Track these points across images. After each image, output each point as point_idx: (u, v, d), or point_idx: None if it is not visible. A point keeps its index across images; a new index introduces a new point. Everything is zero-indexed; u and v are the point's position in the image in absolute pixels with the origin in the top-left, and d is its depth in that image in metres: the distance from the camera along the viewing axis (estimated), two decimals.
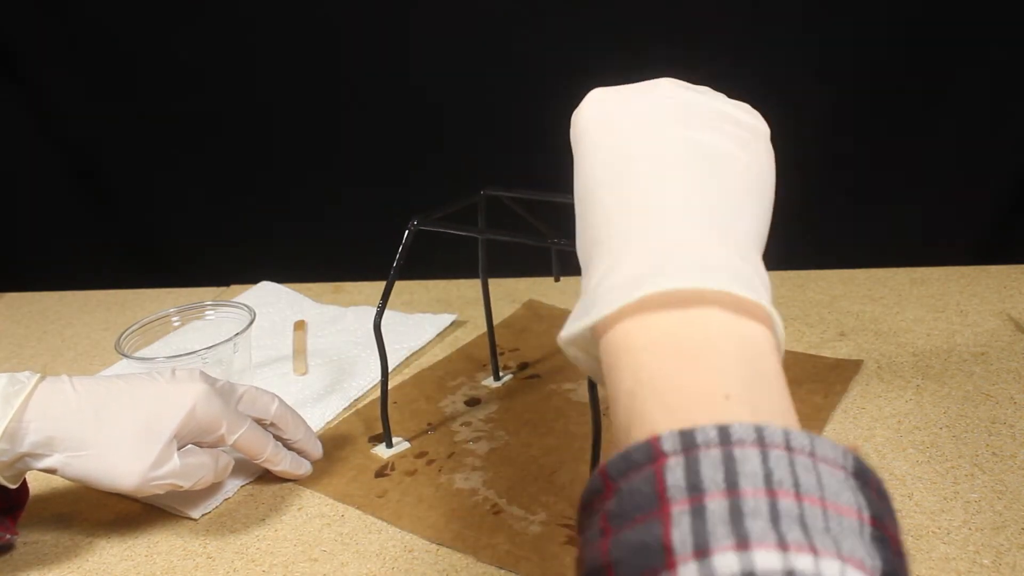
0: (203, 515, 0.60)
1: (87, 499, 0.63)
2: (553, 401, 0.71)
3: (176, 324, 0.77)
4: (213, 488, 0.62)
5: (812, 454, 0.25)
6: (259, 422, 0.60)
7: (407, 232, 0.60)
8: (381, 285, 0.62)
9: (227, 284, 1.05)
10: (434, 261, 0.91)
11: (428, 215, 0.61)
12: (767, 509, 0.23)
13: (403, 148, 1.09)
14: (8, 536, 0.56)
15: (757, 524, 0.23)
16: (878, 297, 0.86)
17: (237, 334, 0.71)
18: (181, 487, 0.56)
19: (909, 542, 0.51)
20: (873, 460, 0.60)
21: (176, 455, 0.55)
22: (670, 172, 0.33)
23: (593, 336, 0.31)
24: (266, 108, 1.08)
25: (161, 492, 0.55)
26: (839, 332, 0.79)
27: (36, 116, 1.10)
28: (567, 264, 0.78)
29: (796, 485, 0.24)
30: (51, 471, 0.53)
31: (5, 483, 0.53)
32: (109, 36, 1.05)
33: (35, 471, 0.54)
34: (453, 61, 1.02)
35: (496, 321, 0.85)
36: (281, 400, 0.62)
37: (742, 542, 0.22)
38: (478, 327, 0.86)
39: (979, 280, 0.88)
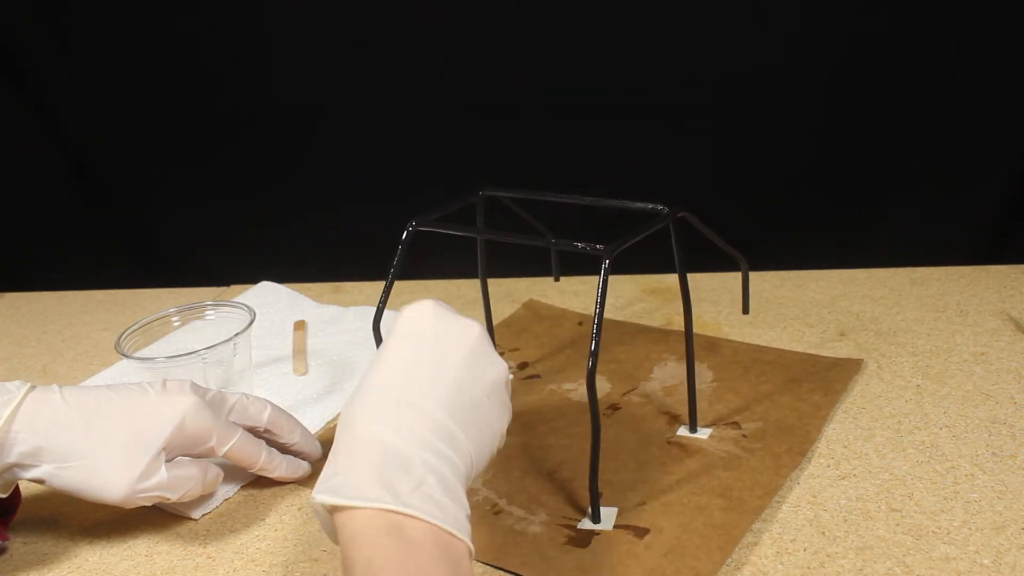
0: (203, 515, 0.60)
1: (87, 501, 0.63)
2: (553, 401, 0.71)
3: (176, 324, 0.77)
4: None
5: None
6: (253, 430, 0.60)
7: (405, 233, 0.60)
8: (381, 285, 0.62)
9: (227, 284, 1.05)
10: (434, 261, 0.91)
11: (427, 215, 0.61)
12: None
13: (403, 148, 1.09)
14: (0, 542, 0.56)
15: None
16: (878, 297, 0.86)
17: (237, 334, 0.71)
18: (169, 499, 0.56)
19: (909, 542, 0.51)
20: (873, 460, 0.60)
21: (164, 467, 0.54)
22: (443, 399, 0.45)
23: (332, 508, 0.41)
24: (266, 108, 1.08)
25: (148, 504, 0.55)
26: (839, 332, 0.79)
27: (36, 116, 1.10)
28: (566, 264, 0.78)
29: None
30: (39, 481, 0.53)
31: None
32: (109, 36, 1.05)
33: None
34: (453, 61, 1.02)
35: (496, 321, 0.85)
36: (274, 406, 0.62)
37: None
38: None
39: (979, 280, 0.88)
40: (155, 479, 0.54)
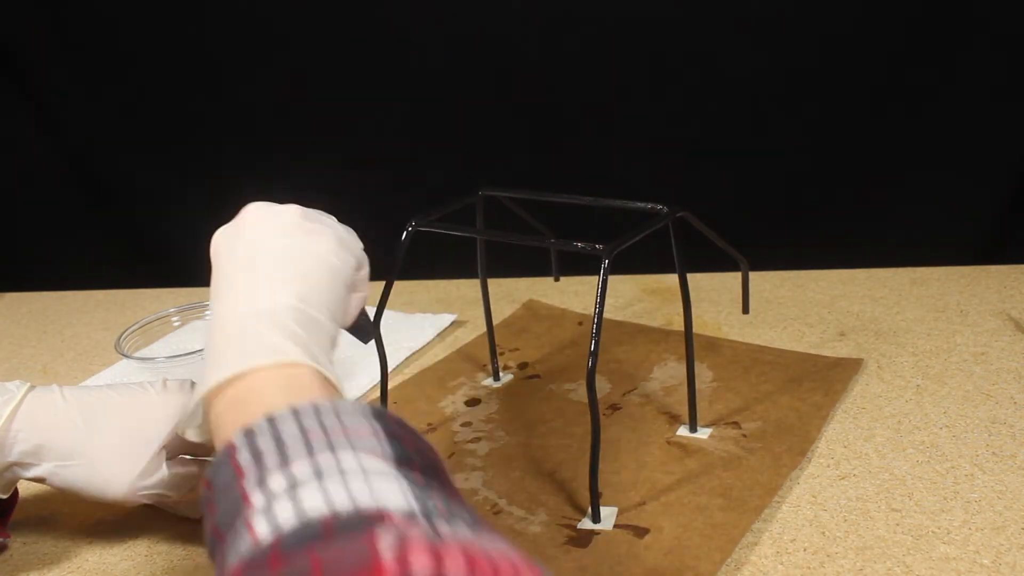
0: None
1: (86, 499, 0.63)
2: (553, 401, 0.71)
3: (176, 324, 0.77)
4: None
5: (335, 410, 0.36)
6: None
7: (405, 233, 0.60)
8: (381, 285, 0.62)
9: None
10: (434, 261, 0.91)
11: (427, 216, 0.61)
12: (303, 445, 0.33)
13: (403, 148, 1.09)
14: (0, 539, 0.56)
15: (297, 453, 0.33)
16: (878, 297, 0.86)
17: None
18: (170, 497, 0.55)
19: (909, 542, 0.51)
20: (873, 460, 0.60)
21: (165, 465, 0.54)
22: (246, 273, 0.45)
23: (204, 407, 0.42)
24: (266, 108, 1.08)
25: (149, 502, 0.55)
26: (839, 332, 0.79)
27: (36, 116, 1.10)
28: (566, 264, 0.78)
29: (323, 427, 0.34)
30: (39, 480, 0.53)
31: None
32: (109, 36, 1.05)
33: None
34: (453, 61, 1.03)
35: (496, 321, 0.85)
36: None
37: (285, 464, 0.33)
38: (478, 327, 0.85)
39: (979, 280, 0.88)
40: (156, 477, 0.54)
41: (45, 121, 1.10)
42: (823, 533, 0.53)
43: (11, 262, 1.19)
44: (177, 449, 0.55)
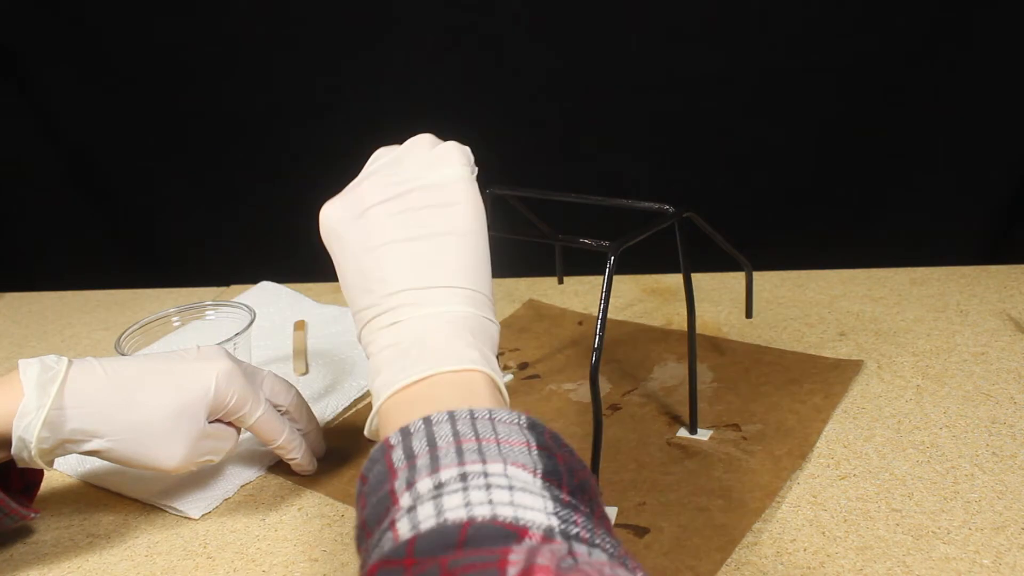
0: (203, 515, 0.60)
1: (87, 499, 0.63)
2: (553, 401, 0.71)
3: (176, 324, 0.77)
4: (213, 488, 0.62)
5: (491, 418, 0.36)
6: (275, 406, 0.60)
7: None
8: None
9: (227, 284, 1.05)
10: None
11: None
12: (454, 451, 0.34)
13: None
14: (32, 515, 0.56)
15: (447, 459, 0.34)
16: (878, 297, 0.86)
17: (237, 334, 0.71)
18: (214, 461, 0.57)
19: (909, 542, 0.51)
20: (873, 460, 0.60)
21: (208, 431, 0.56)
22: (393, 265, 0.45)
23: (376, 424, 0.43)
24: (266, 108, 1.08)
25: (196, 469, 0.57)
26: (839, 332, 0.79)
27: (36, 116, 1.10)
28: (567, 264, 0.78)
29: (476, 435, 0.35)
30: (94, 454, 0.54)
31: (43, 466, 0.53)
32: (109, 36, 1.05)
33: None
34: (455, 61, 1.03)
35: None
36: (298, 391, 0.62)
37: (434, 470, 0.33)
38: None
39: (979, 280, 0.88)
40: (204, 444, 0.55)
41: (45, 121, 1.10)
42: (823, 533, 0.53)
43: (11, 262, 1.19)
44: (214, 414, 0.56)
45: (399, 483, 0.34)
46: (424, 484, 0.33)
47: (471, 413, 0.36)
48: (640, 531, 0.54)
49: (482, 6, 0.99)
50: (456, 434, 0.35)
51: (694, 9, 0.97)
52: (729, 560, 0.51)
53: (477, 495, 0.31)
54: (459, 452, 0.34)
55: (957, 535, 0.52)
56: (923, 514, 0.54)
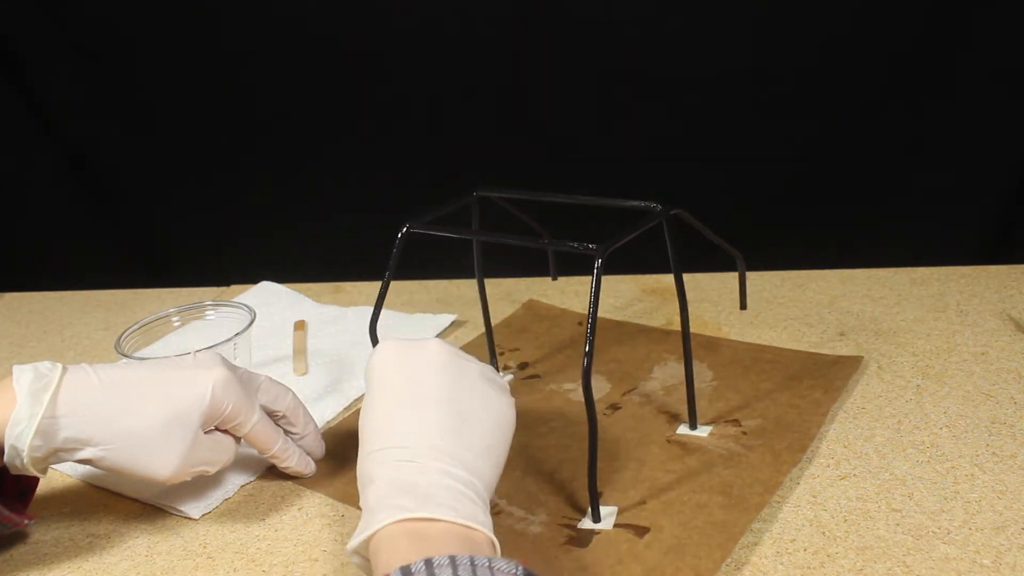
0: (203, 515, 0.60)
1: (87, 499, 0.63)
2: (553, 401, 0.71)
3: (176, 324, 0.77)
4: (213, 488, 0.62)
5: (490, 567, 0.38)
6: (272, 413, 0.60)
7: (399, 236, 0.60)
8: (377, 286, 0.62)
9: (227, 284, 1.05)
10: (433, 261, 0.91)
11: (422, 217, 0.61)
12: None
13: (402, 148, 1.09)
14: (26, 522, 0.56)
15: None
16: (878, 297, 0.86)
17: (237, 334, 0.71)
18: (209, 472, 0.57)
19: (909, 542, 0.51)
20: (873, 460, 0.60)
21: (203, 441, 0.55)
22: (433, 422, 0.48)
23: (367, 543, 0.44)
24: (265, 109, 1.08)
25: (189, 479, 0.56)
26: (839, 332, 0.79)
27: (36, 116, 1.10)
28: (566, 263, 0.78)
29: None
30: (86, 462, 0.54)
31: (36, 473, 0.53)
32: (109, 36, 1.05)
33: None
34: (449, 62, 1.03)
35: (496, 321, 0.85)
36: (295, 394, 0.62)
37: None
38: (478, 327, 0.85)
39: (979, 280, 0.88)
40: (198, 454, 0.55)
41: (45, 121, 1.10)
42: (823, 533, 0.53)
43: (11, 262, 1.19)
44: (209, 423, 0.56)
45: None
46: None
47: (471, 561, 0.38)
48: (640, 531, 0.54)
49: (477, 5, 0.99)
50: None
51: (691, 8, 0.97)
52: (729, 560, 0.51)
53: None
54: None
55: (957, 535, 0.52)
56: (923, 514, 0.54)
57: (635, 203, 0.60)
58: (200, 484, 0.62)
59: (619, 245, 0.53)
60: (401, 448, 0.47)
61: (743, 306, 0.69)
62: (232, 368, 0.58)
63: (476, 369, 0.52)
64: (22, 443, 0.51)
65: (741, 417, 0.65)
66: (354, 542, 0.44)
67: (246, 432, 0.58)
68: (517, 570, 0.38)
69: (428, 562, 0.37)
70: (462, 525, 0.43)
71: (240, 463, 0.64)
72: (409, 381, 0.50)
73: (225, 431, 0.58)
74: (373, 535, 0.43)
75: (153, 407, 0.54)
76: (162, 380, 0.55)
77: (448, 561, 0.37)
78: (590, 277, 0.51)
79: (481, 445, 0.48)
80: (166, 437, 0.54)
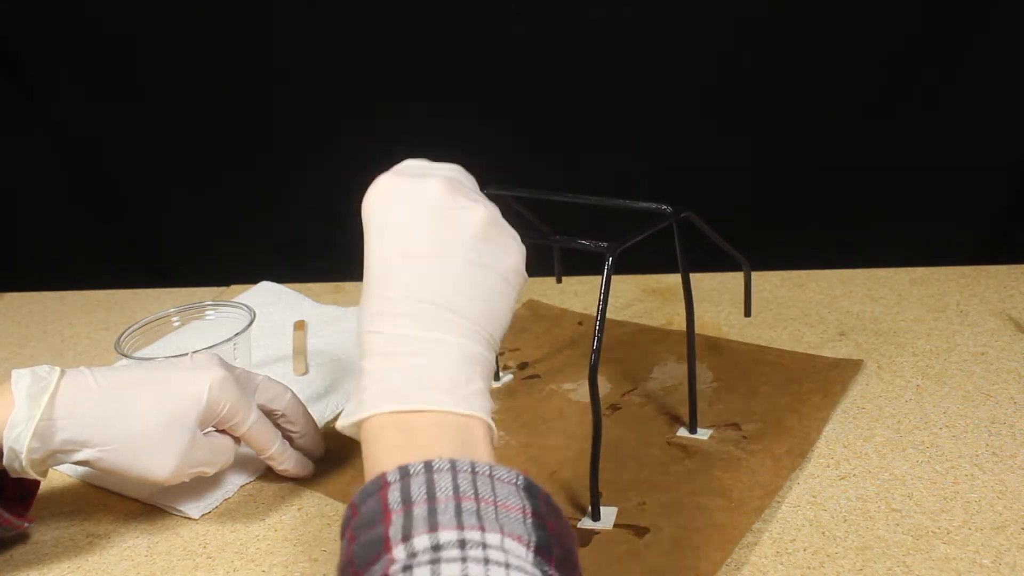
0: (203, 515, 0.60)
1: (87, 499, 0.63)
2: (553, 401, 0.71)
3: (176, 324, 0.77)
4: (213, 488, 0.62)
5: (490, 475, 0.36)
6: (270, 412, 0.60)
7: None
8: None
9: (227, 284, 1.05)
10: None
11: None
12: (453, 508, 0.34)
13: (404, 148, 1.08)
14: (26, 525, 0.56)
15: (445, 517, 0.34)
16: (878, 297, 0.86)
17: (237, 334, 0.71)
18: (208, 473, 0.57)
19: (909, 542, 0.51)
20: (873, 460, 0.60)
21: (201, 442, 0.55)
22: (436, 277, 0.43)
23: (358, 425, 0.42)
24: (266, 109, 1.08)
25: (188, 480, 0.56)
26: (839, 332, 0.79)
27: (36, 116, 1.10)
28: (566, 264, 0.78)
29: (476, 493, 0.35)
30: (84, 464, 0.54)
31: (36, 476, 0.53)
32: (110, 36, 1.05)
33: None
34: (450, 62, 1.02)
35: None
36: (294, 393, 0.62)
37: (433, 528, 0.33)
38: None
39: (979, 280, 0.88)
40: (196, 455, 0.55)
41: (45, 121, 1.10)
42: (823, 533, 0.53)
43: (11, 262, 1.19)
44: (206, 424, 0.56)
45: (393, 530, 0.34)
46: (421, 541, 0.33)
47: (472, 467, 0.36)
48: (640, 531, 0.54)
49: (482, 4, 0.99)
50: (456, 489, 0.35)
51: (693, 8, 0.96)
52: (729, 560, 0.51)
53: (475, 569, 0.32)
54: (458, 512, 0.34)
55: (957, 535, 0.52)
56: (923, 514, 0.54)
57: (645, 204, 0.60)
58: (200, 484, 0.62)
59: (630, 244, 0.53)
60: (398, 312, 0.43)
61: (747, 313, 0.69)
62: (229, 368, 0.58)
63: (483, 214, 0.45)
64: (20, 445, 0.51)
65: (741, 421, 0.65)
66: (344, 422, 0.42)
67: (243, 432, 0.58)
68: (517, 479, 0.37)
69: (428, 464, 0.36)
70: (460, 415, 0.40)
71: (240, 463, 0.64)
72: (407, 228, 0.44)
73: (224, 432, 0.58)
74: (366, 420, 0.41)
75: (150, 408, 0.54)
76: (159, 381, 0.55)
77: (448, 466, 0.36)
78: (591, 278, 0.51)
79: (488, 300, 0.44)
80: (164, 438, 0.54)
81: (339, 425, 0.42)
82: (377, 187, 0.47)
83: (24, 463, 0.51)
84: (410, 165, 0.49)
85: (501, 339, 0.45)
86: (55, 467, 0.56)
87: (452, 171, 0.48)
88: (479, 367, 0.43)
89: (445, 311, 0.42)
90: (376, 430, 0.40)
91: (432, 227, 0.44)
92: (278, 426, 0.61)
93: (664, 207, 0.58)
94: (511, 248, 0.46)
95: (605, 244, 0.52)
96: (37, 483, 0.58)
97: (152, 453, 0.54)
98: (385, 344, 0.42)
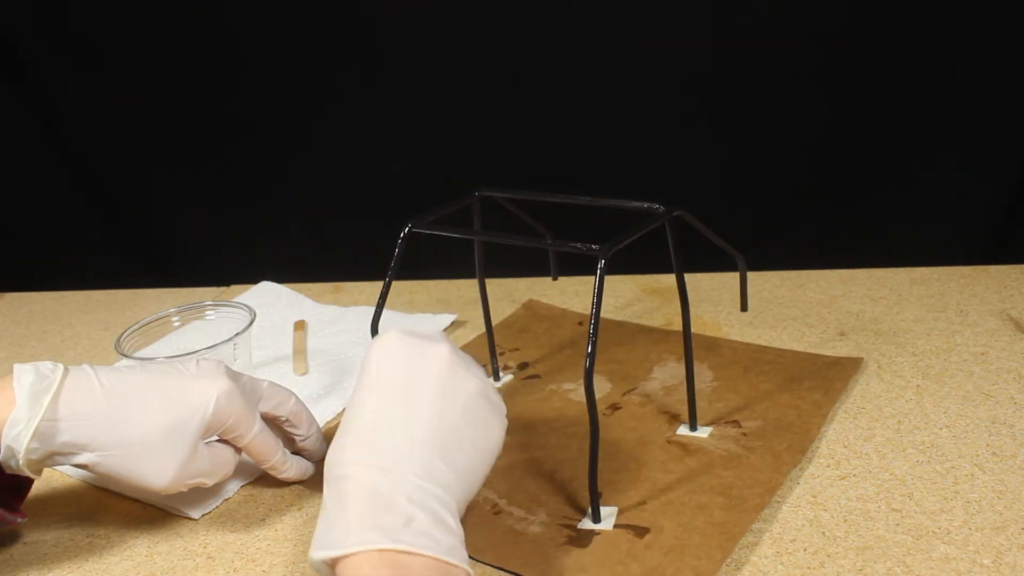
0: (203, 515, 0.60)
1: (87, 499, 0.63)
2: (553, 401, 0.71)
3: (176, 324, 0.77)
4: (213, 488, 0.62)
5: None
6: (275, 418, 0.60)
7: (401, 236, 0.60)
8: (381, 285, 0.62)
9: (227, 284, 1.05)
10: (434, 261, 0.91)
11: (424, 217, 0.61)
12: None
13: (403, 149, 1.09)
14: (19, 520, 0.56)
15: None
16: (878, 297, 0.86)
17: (237, 334, 0.71)
18: (207, 484, 0.56)
19: (909, 542, 0.51)
20: (873, 460, 0.60)
21: (202, 452, 0.55)
22: (422, 437, 0.47)
23: (332, 562, 0.42)
24: (266, 109, 1.08)
25: (186, 490, 0.56)
26: (839, 332, 0.80)
27: (37, 117, 1.10)
28: (566, 264, 0.78)
29: None
30: (83, 467, 0.53)
31: (31, 475, 0.53)
32: (110, 37, 1.05)
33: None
34: (450, 62, 1.03)
35: (496, 321, 0.85)
36: (298, 397, 0.62)
37: None
38: (478, 327, 0.85)
39: (979, 280, 0.88)
40: (195, 465, 0.55)
41: (45, 122, 1.10)
42: (823, 533, 0.53)
43: (11, 262, 1.19)
44: (209, 434, 0.56)
45: None
46: None
47: None
48: (640, 531, 0.54)
49: (478, 5, 0.99)
50: None
51: (691, 9, 0.96)
52: (729, 560, 0.51)
53: None
54: None
55: (957, 535, 0.52)
56: (923, 514, 0.54)
57: (637, 204, 0.60)
58: None
59: (622, 246, 0.53)
60: (385, 458, 0.46)
61: (744, 308, 0.69)
62: (235, 378, 0.57)
63: (477, 386, 0.50)
64: (19, 444, 0.50)
65: (741, 418, 0.65)
66: (324, 554, 0.42)
67: (245, 443, 0.57)
68: None
69: None
70: (443, 561, 0.42)
71: (240, 464, 0.64)
72: (406, 386, 0.49)
73: (225, 442, 0.58)
74: (350, 555, 0.42)
75: (154, 416, 0.53)
76: (164, 388, 0.55)
77: None
78: (590, 277, 0.51)
79: (466, 467, 0.48)
80: (164, 447, 0.53)
81: (316, 557, 0.43)
82: (388, 340, 0.52)
83: (21, 462, 0.51)
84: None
85: (466, 506, 0.49)
86: (53, 467, 0.56)
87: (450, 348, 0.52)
88: (455, 523, 0.45)
89: (429, 473, 0.46)
90: (362, 570, 0.41)
91: (429, 389, 0.49)
92: (281, 429, 0.61)
93: (656, 206, 0.58)
94: (495, 424, 0.51)
95: (597, 247, 0.52)
96: (30, 479, 0.58)
97: (152, 461, 0.53)
98: (370, 483, 0.45)
